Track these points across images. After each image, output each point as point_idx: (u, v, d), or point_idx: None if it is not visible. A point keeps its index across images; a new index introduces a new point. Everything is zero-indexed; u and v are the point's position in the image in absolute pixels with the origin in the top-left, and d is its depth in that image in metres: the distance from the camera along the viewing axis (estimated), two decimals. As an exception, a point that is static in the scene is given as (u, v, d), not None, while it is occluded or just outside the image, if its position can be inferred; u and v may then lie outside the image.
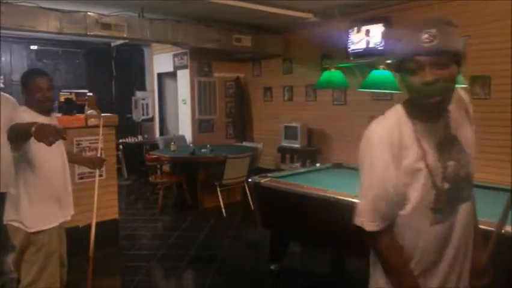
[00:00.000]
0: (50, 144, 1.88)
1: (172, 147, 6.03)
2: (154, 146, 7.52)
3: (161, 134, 8.60)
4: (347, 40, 5.93)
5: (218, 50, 6.81)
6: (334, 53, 6.29)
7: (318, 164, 4.96)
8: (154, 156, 5.74)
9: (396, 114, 1.32)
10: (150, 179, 5.82)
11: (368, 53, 5.61)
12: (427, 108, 1.26)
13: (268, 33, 7.13)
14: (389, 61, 3.32)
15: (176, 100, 8.18)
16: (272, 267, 3.62)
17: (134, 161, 7.81)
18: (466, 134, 1.37)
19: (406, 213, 1.29)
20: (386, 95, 5.88)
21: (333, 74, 3.74)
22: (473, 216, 1.43)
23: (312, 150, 6.79)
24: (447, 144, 1.31)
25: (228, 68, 8.10)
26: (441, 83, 1.19)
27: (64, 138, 1.93)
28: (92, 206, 2.87)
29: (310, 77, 6.59)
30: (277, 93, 7.66)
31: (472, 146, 1.38)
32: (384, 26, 5.54)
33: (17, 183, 2.34)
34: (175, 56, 7.94)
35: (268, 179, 3.57)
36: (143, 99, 8.93)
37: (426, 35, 1.17)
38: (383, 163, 1.27)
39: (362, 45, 5.76)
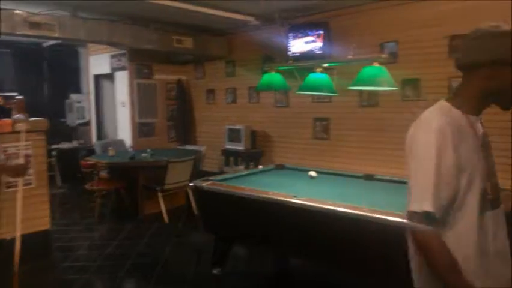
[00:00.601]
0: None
1: (110, 152, 5.77)
2: (91, 152, 7.15)
3: (98, 138, 8.21)
4: (288, 44, 6.03)
5: (158, 51, 6.63)
6: (276, 56, 6.37)
7: (260, 166, 4.97)
8: (90, 162, 5.46)
9: (444, 106, 1.39)
10: (86, 186, 5.52)
11: (307, 56, 5.73)
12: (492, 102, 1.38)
13: (210, 35, 7.07)
14: (325, 64, 3.40)
15: (114, 103, 7.85)
16: (215, 271, 3.57)
17: (69, 168, 7.36)
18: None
19: (460, 202, 1.32)
20: (325, 98, 6.06)
21: (273, 77, 3.76)
22: None
23: (255, 153, 6.82)
24: (486, 140, 1.41)
25: (169, 70, 7.92)
26: None
27: None
28: (21, 217, 2.66)
29: (253, 80, 6.61)
30: (220, 95, 7.62)
31: None
32: (323, 30, 5.70)
33: None
34: (112, 57, 7.63)
35: (209, 182, 3.52)
36: (79, 102, 8.50)
37: None
38: (443, 147, 1.29)
39: (301, 49, 5.88)
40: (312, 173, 3.87)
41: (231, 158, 6.99)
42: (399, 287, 2.87)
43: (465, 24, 4.92)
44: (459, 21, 4.64)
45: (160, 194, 5.22)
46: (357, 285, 3.36)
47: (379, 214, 2.48)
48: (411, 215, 1.32)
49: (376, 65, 2.95)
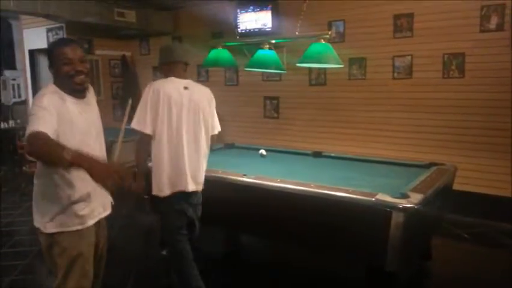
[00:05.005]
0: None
1: (50, 133, 5.43)
2: (29, 132, 6.71)
3: (37, 118, 7.69)
4: (237, 19, 5.91)
5: (99, 24, 6.25)
6: (224, 32, 6.24)
7: (210, 145, 4.90)
8: (28, 143, 5.12)
9: None
10: (24, 168, 5.20)
11: (256, 33, 5.66)
12: None
13: (155, 9, 6.76)
14: (273, 41, 3.36)
15: (52, 80, 7.35)
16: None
17: (6, 150, 6.90)
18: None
19: None
20: (275, 76, 6.05)
21: (220, 53, 3.67)
22: None
23: (205, 131, 6.71)
24: None
25: (112, 45, 7.53)
26: None
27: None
28: None
29: (201, 57, 6.40)
30: (168, 73, 7.37)
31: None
32: (272, 7, 5.62)
33: None
34: (49, 30, 7.10)
35: (155, 162, 3.41)
36: (14, 79, 7.89)
37: None
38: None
39: (250, 26, 5.80)
40: (262, 152, 3.88)
41: (180, 137, 6.84)
42: (343, 257, 2.99)
43: (410, 3, 5.07)
44: (404, 1, 4.78)
45: (105, 176, 5.02)
46: (308, 261, 3.45)
47: (325, 190, 2.53)
48: None
49: (323, 41, 2.96)
